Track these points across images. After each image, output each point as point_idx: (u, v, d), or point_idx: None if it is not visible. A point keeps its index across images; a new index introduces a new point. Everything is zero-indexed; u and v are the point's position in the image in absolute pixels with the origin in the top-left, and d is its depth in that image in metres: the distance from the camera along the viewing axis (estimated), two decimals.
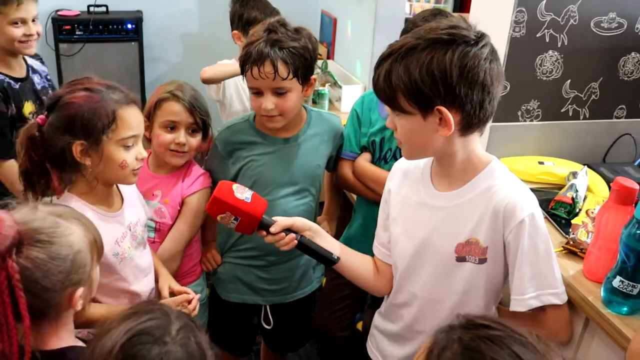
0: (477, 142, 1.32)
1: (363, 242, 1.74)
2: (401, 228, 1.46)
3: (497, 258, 1.34)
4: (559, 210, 1.75)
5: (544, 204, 1.80)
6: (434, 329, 1.41)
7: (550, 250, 1.31)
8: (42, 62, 2.48)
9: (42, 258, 1.06)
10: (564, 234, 1.67)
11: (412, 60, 1.20)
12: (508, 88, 1.89)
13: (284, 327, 2.08)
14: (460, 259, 1.35)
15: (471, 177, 1.33)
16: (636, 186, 1.42)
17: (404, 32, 1.89)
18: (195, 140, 1.85)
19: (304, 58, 1.71)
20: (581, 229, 1.61)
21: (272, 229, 1.45)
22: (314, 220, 1.79)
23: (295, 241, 1.45)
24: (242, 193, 1.45)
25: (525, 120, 1.97)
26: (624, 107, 2.03)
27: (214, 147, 1.90)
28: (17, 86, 2.25)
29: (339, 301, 2.17)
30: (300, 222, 1.48)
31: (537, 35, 1.84)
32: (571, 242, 1.59)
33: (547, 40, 1.86)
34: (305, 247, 1.45)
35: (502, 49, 1.83)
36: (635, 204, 1.39)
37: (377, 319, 1.62)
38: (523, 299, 1.30)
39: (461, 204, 1.34)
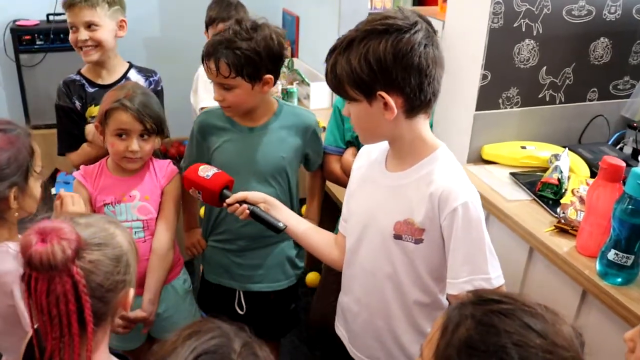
0: (426, 126, 1.39)
1: None
2: (355, 203, 1.56)
3: (434, 241, 1.40)
4: (545, 191, 1.81)
5: (531, 186, 1.88)
6: (379, 303, 1.50)
7: (482, 239, 1.36)
8: (153, 81, 2.37)
9: (102, 260, 1.07)
10: (553, 214, 1.74)
11: (352, 51, 1.29)
12: (489, 77, 1.95)
13: (260, 315, 2.09)
14: (397, 237, 1.42)
15: (417, 160, 1.40)
16: (622, 164, 1.51)
17: None
18: (148, 145, 1.89)
19: (250, 59, 1.76)
20: (570, 208, 1.69)
21: (227, 201, 1.65)
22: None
23: (248, 211, 1.62)
24: (205, 172, 1.69)
25: (506, 108, 2.03)
26: (595, 90, 2.11)
27: (192, 131, 1.98)
28: (91, 90, 2.24)
29: (337, 291, 2.19)
30: (254, 195, 1.64)
31: (514, 25, 1.90)
32: (562, 221, 1.66)
33: (524, 29, 1.92)
34: (256, 215, 1.63)
35: (482, 41, 1.90)
36: (623, 181, 1.48)
37: (340, 295, 1.69)
38: (457, 283, 1.37)
39: (404, 184, 1.41)
